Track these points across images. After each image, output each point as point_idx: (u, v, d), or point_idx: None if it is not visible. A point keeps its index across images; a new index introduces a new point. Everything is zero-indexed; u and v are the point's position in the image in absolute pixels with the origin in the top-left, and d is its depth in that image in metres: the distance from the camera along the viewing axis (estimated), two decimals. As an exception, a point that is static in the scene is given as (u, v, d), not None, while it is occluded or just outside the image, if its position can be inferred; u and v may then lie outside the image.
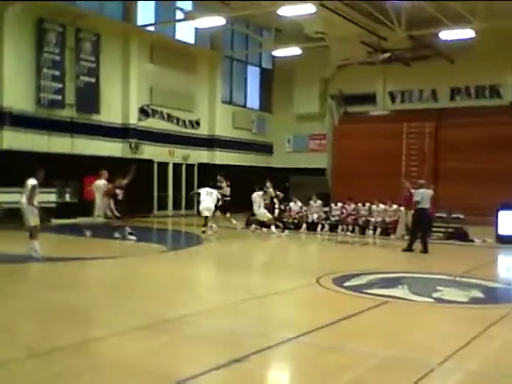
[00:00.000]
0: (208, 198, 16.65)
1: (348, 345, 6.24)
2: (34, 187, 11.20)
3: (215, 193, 17.05)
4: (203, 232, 16.19)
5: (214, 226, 17.08)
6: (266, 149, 29.04)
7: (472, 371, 5.61)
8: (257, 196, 17.96)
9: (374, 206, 18.34)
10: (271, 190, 18.46)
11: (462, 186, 21.51)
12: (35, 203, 11.21)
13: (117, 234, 14.95)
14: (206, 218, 16.52)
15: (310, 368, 5.60)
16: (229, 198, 18.40)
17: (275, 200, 18.41)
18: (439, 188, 22.34)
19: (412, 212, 15.06)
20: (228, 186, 18.62)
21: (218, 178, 18.85)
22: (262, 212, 17.88)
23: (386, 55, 23.44)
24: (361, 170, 23.99)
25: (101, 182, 15.23)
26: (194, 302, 8.15)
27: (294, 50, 23.43)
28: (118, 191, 14.90)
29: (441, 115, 24.10)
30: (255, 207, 17.99)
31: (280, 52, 24.14)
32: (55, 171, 18.62)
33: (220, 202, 17.37)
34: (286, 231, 17.79)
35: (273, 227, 17.68)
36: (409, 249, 14.19)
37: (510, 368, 5.69)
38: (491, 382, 5.34)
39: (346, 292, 9.08)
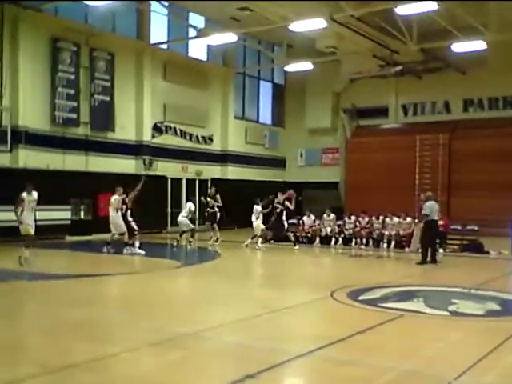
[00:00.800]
0: (182, 213, 17.76)
1: (364, 359, 6.20)
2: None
3: (189, 205, 17.93)
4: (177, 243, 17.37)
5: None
6: (278, 163, 29.10)
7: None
8: (256, 209, 18.02)
9: (387, 219, 18.27)
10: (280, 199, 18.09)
11: (476, 197, 21.38)
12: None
13: (125, 251, 14.99)
14: (183, 232, 17.69)
15: (325, 383, 5.58)
16: (216, 210, 18.71)
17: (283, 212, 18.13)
18: (453, 199, 22.31)
19: (421, 225, 14.98)
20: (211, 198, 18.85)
21: (210, 191, 19.36)
22: (256, 224, 17.92)
23: (398, 68, 23.47)
24: (374, 183, 23.96)
25: (113, 198, 15.31)
26: (208, 317, 8.15)
27: (305, 65, 23.54)
28: (123, 205, 15.08)
29: (454, 127, 24.04)
30: (253, 218, 18.02)
31: (292, 67, 24.26)
32: (70, 189, 18.89)
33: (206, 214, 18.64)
34: (297, 246, 17.68)
35: (259, 241, 17.62)
36: (424, 261, 14.10)
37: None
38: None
39: (361, 306, 9.03)
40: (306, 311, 8.97)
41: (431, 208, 14.30)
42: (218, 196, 18.76)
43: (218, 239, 18.45)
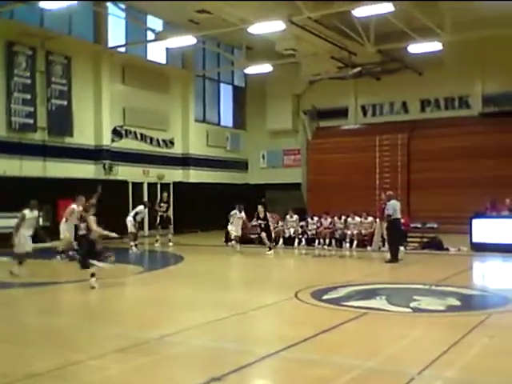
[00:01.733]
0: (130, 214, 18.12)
1: (328, 358, 6.27)
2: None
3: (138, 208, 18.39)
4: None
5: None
6: (240, 166, 29.11)
7: (451, 379, 5.67)
8: (234, 214, 17.91)
9: (349, 219, 18.48)
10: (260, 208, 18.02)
11: (435, 195, 21.80)
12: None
13: (59, 257, 14.80)
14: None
15: (291, 383, 5.61)
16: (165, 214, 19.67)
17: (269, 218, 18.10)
18: (413, 198, 22.71)
19: (385, 224, 15.21)
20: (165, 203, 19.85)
21: (164, 196, 20.24)
22: (230, 228, 18.02)
23: (356, 70, 23.74)
24: (335, 184, 24.20)
25: (72, 207, 14.70)
26: (173, 322, 8.10)
27: (265, 67, 23.61)
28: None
29: (412, 127, 24.47)
30: (230, 224, 18.02)
31: (252, 69, 24.30)
32: (28, 195, 18.44)
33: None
34: (271, 251, 17.15)
35: (236, 244, 17.63)
36: (394, 259, 14.26)
37: (488, 374, 5.76)
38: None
39: (325, 305, 9.12)
40: (271, 312, 9.01)
41: (394, 207, 14.53)
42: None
43: (170, 240, 19.18)
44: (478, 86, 23.67)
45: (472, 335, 7.18)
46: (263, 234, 17.39)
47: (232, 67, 28.31)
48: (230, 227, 18.02)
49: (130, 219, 17.80)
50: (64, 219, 14.62)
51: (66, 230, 14.50)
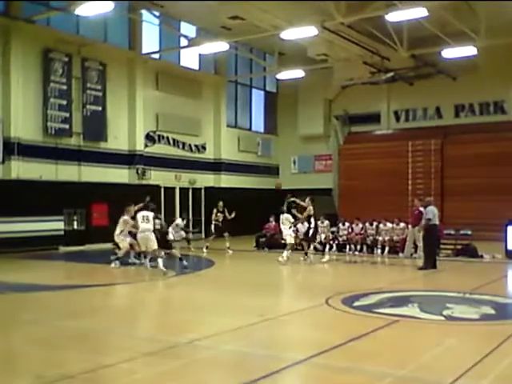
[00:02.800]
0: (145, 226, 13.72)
1: (360, 365, 6.21)
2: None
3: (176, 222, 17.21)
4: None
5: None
6: (272, 171, 29.15)
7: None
8: (283, 218, 17.21)
9: (381, 225, 18.32)
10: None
11: (469, 202, 21.49)
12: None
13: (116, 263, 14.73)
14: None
15: (321, 389, 5.59)
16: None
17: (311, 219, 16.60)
18: (446, 205, 22.40)
19: (421, 230, 14.97)
20: (221, 213, 18.82)
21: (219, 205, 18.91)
22: (285, 234, 16.65)
23: (389, 75, 23.60)
24: (367, 189, 24.04)
25: (127, 219, 14.68)
26: (204, 326, 8.14)
27: (297, 73, 23.63)
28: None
29: (446, 132, 24.18)
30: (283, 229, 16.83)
31: (283, 75, 24.35)
32: (63, 199, 18.86)
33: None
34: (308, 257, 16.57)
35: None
36: (432, 266, 14.05)
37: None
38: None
39: (356, 312, 9.04)
40: (301, 318, 8.97)
41: (433, 212, 14.37)
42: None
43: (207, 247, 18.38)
44: (514, 91, 23.27)
45: (507, 345, 7.04)
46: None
47: (264, 73, 28.39)
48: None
49: (170, 230, 17.45)
50: (118, 231, 14.61)
51: (123, 240, 14.64)
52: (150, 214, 13.69)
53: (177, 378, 5.80)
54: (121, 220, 14.64)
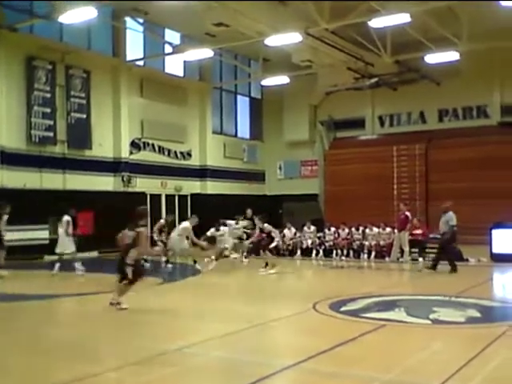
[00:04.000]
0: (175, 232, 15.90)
1: (348, 370, 6.23)
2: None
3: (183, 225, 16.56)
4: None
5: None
6: (258, 177, 29.17)
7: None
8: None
9: (367, 230, 18.41)
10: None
11: (453, 206, 21.58)
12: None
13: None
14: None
15: (309, 395, 5.59)
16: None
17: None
18: (431, 209, 22.53)
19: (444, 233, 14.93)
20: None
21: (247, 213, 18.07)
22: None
23: (373, 80, 23.77)
24: (353, 194, 24.15)
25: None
26: (192, 333, 8.12)
27: (282, 79, 23.72)
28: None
29: (430, 137, 24.37)
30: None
31: (268, 81, 24.42)
32: (48, 207, 18.71)
33: None
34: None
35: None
36: (455, 269, 14.35)
37: (509, 387, 5.69)
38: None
39: (343, 317, 9.07)
40: (289, 324, 8.99)
41: (453, 218, 14.55)
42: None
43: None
44: (497, 95, 23.53)
45: (492, 347, 7.09)
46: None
47: (249, 79, 28.47)
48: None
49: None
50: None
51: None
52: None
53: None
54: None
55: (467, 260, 16.69)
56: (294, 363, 6.39)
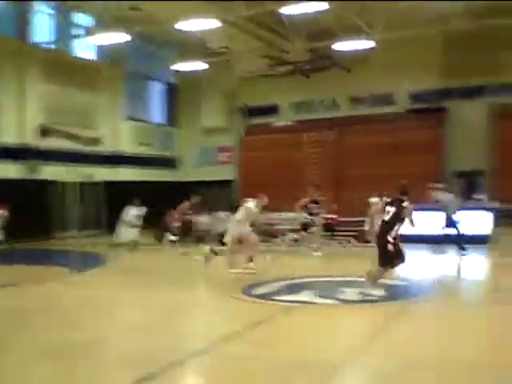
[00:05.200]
0: None
1: (259, 352, 6.34)
2: None
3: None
4: None
5: None
6: (173, 163, 28.85)
7: (375, 366, 5.84)
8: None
9: (282, 215, 18.67)
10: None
11: (365, 191, 22.27)
12: None
13: None
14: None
15: (223, 378, 5.64)
16: None
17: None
18: (341, 194, 23.17)
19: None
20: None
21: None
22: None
23: (287, 67, 24.01)
24: (267, 181, 24.29)
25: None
26: (102, 323, 7.97)
27: (197, 65, 23.49)
28: None
29: (341, 124, 24.95)
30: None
31: (184, 67, 24.13)
32: None
33: None
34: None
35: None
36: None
37: (410, 360, 5.97)
38: (394, 376, 5.58)
39: (255, 300, 9.21)
40: (201, 310, 9.04)
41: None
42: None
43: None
44: (405, 84, 24.30)
45: (395, 323, 7.44)
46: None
47: (164, 64, 27.97)
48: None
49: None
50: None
51: None
52: None
53: (73, 377, 5.66)
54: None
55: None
56: (206, 348, 6.44)
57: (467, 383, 5.42)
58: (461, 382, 5.42)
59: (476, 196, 19.85)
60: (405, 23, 19.84)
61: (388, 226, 9.21)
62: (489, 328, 7.52)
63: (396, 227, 9.18)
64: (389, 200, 9.53)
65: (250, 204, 12.19)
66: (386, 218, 9.25)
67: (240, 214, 12.02)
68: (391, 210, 9.25)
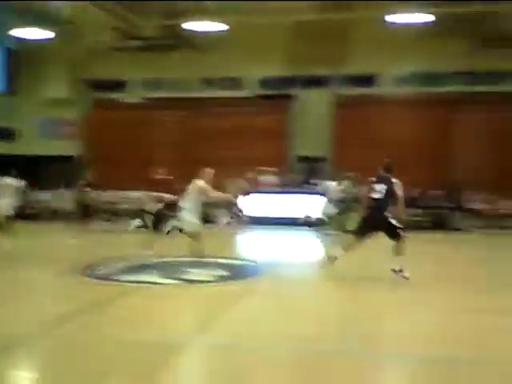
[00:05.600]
0: None
1: (105, 333, 6.24)
2: None
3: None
4: None
5: None
6: (9, 135, 26.92)
7: (219, 343, 6.03)
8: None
9: (128, 194, 18.39)
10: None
11: (220, 171, 22.56)
12: None
13: None
14: None
15: (67, 362, 5.49)
16: None
17: None
18: (191, 175, 23.28)
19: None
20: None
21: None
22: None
23: (138, 43, 23.44)
24: (116, 158, 23.74)
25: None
26: None
27: (43, 32, 22.11)
28: None
29: (193, 105, 24.94)
30: None
31: (26, 33, 22.57)
32: None
33: None
34: None
35: None
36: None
37: (253, 338, 6.24)
38: (237, 353, 5.80)
39: (96, 281, 9.03)
40: (40, 291, 8.71)
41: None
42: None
43: None
44: (254, 69, 24.85)
45: (238, 302, 7.75)
46: None
47: (4, 29, 25.98)
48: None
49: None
50: None
51: None
52: None
53: None
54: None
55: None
56: (47, 331, 6.27)
57: (293, 353, 5.77)
58: (285, 353, 5.77)
59: (312, 181, 20.94)
60: (256, 9, 20.26)
61: (382, 203, 9.40)
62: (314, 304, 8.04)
63: (389, 202, 9.45)
64: (374, 179, 9.64)
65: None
66: (377, 195, 9.43)
67: None
68: (381, 187, 9.45)
